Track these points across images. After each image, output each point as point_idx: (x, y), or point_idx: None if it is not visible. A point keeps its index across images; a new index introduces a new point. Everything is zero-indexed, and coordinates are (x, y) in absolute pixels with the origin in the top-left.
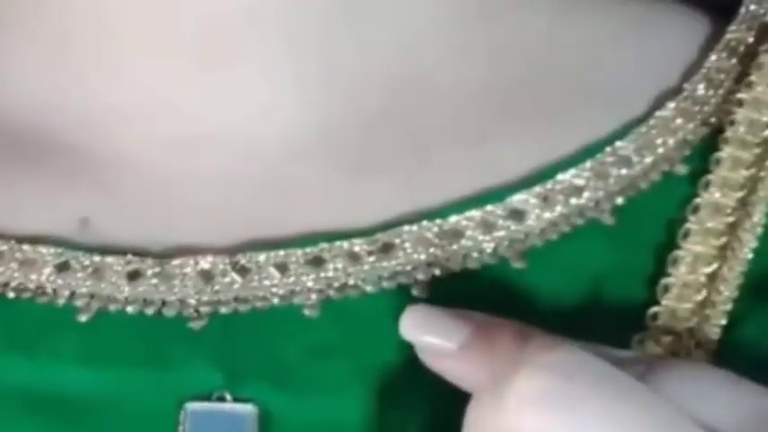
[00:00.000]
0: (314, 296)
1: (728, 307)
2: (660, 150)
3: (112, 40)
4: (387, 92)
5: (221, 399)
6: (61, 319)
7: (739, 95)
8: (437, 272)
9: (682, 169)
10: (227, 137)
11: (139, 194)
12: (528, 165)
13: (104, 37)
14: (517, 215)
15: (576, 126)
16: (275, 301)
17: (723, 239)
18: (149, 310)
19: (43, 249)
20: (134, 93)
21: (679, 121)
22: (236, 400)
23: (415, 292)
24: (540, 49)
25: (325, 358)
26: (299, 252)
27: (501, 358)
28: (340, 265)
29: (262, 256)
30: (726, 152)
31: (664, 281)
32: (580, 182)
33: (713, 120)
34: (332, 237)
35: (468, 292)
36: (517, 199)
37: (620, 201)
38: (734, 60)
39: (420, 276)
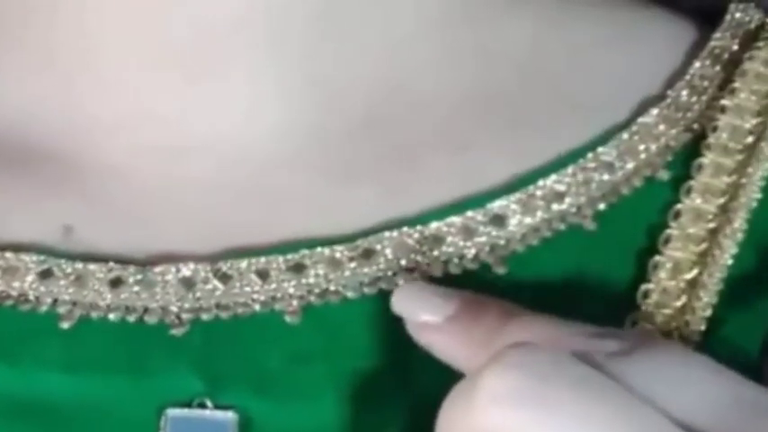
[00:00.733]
0: (295, 302)
1: (708, 313)
2: (642, 156)
3: (98, 49)
4: (371, 99)
5: (202, 405)
6: (44, 326)
7: (722, 102)
8: (418, 278)
9: (664, 175)
10: (211, 145)
11: (123, 202)
12: (510, 171)
13: (90, 46)
14: (498, 221)
15: (558, 132)
16: (257, 307)
17: (704, 246)
18: (131, 318)
19: (26, 257)
20: (119, 101)
21: (662, 127)
22: (216, 406)
23: None
24: (525, 55)
25: (305, 364)
26: (281, 258)
27: (482, 334)
28: (321, 272)
29: (243, 263)
30: (708, 158)
31: (644, 286)
32: (561, 187)
33: (696, 126)
34: (313, 243)
35: None
36: (498, 205)
37: (601, 206)
38: (717, 68)
39: (401, 282)
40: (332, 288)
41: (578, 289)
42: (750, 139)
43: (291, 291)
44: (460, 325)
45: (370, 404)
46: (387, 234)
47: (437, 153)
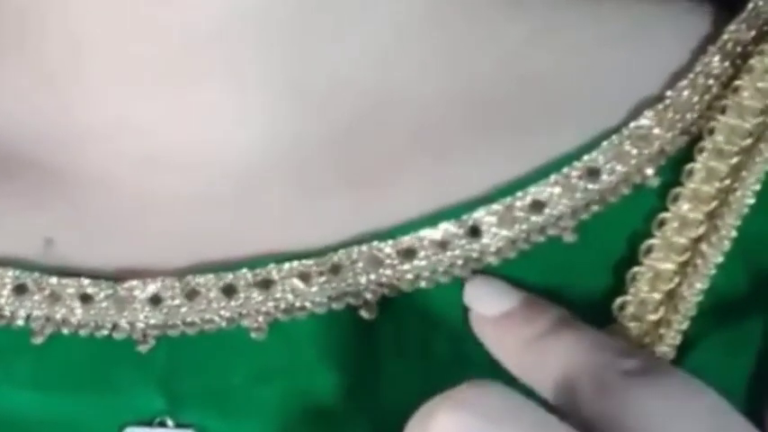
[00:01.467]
0: (261, 318)
1: (684, 326)
2: (633, 162)
3: (82, 58)
4: (354, 107)
5: (162, 424)
6: (16, 341)
7: (724, 102)
8: (387, 292)
9: (654, 181)
10: (194, 156)
11: (101, 215)
12: (490, 180)
13: (74, 55)
14: (474, 233)
15: (546, 138)
16: (223, 324)
17: (686, 255)
18: (100, 334)
19: (2, 271)
20: (102, 110)
21: (656, 130)
22: (178, 425)
23: (363, 313)
24: (516, 59)
25: (269, 382)
26: (249, 273)
27: (532, 336)
28: (289, 287)
29: (210, 279)
30: (700, 163)
31: (620, 299)
32: (542, 197)
33: (694, 128)
34: (283, 258)
35: (419, 312)
36: (475, 216)
37: (585, 216)
38: (726, 63)
39: (369, 297)
40: (299, 304)
41: (552, 303)
42: (749, 141)
43: (258, 306)
44: (513, 322)
45: (334, 422)
46: (357, 248)
47: (418, 162)
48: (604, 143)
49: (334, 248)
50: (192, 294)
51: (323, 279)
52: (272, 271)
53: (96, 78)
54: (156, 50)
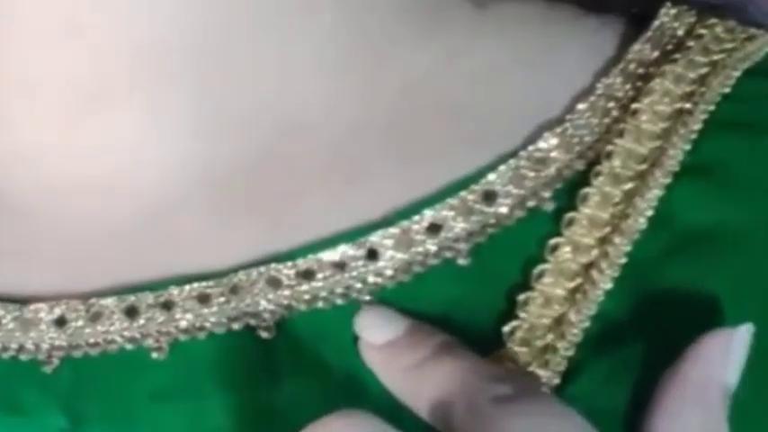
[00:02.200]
0: (162, 339)
1: (570, 352)
2: (530, 185)
3: (1, 86)
4: (266, 133)
5: None
6: None
7: (622, 125)
8: (285, 313)
9: (549, 205)
10: (108, 181)
11: (18, 239)
12: (391, 204)
13: None
14: (372, 255)
15: (447, 163)
16: (126, 344)
17: (577, 281)
18: (7, 355)
19: None
20: (21, 136)
21: (554, 153)
22: None
23: (261, 333)
24: (420, 87)
25: (167, 401)
26: (150, 296)
27: (414, 363)
28: (189, 308)
29: (113, 301)
30: (595, 188)
31: (510, 324)
32: (439, 220)
33: (591, 152)
34: (184, 280)
35: (316, 332)
36: (372, 239)
37: (480, 239)
38: (628, 85)
39: (267, 317)
40: (198, 324)
41: (445, 326)
42: (644, 166)
43: (159, 327)
44: (396, 350)
45: None
46: (256, 270)
47: (325, 187)
48: (502, 167)
49: (236, 270)
50: (96, 316)
51: (222, 300)
52: (174, 292)
53: (14, 100)
54: (71, 78)
